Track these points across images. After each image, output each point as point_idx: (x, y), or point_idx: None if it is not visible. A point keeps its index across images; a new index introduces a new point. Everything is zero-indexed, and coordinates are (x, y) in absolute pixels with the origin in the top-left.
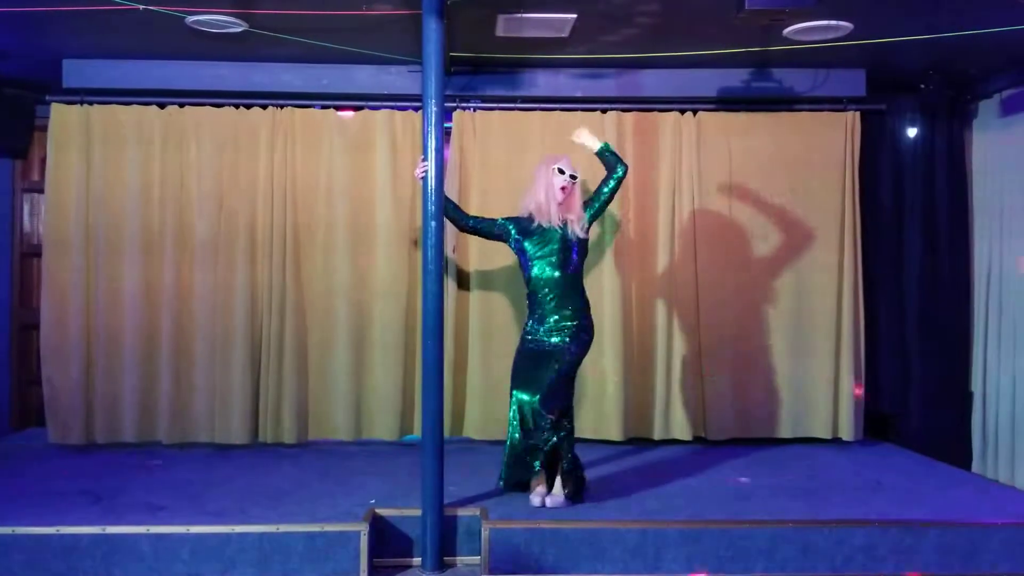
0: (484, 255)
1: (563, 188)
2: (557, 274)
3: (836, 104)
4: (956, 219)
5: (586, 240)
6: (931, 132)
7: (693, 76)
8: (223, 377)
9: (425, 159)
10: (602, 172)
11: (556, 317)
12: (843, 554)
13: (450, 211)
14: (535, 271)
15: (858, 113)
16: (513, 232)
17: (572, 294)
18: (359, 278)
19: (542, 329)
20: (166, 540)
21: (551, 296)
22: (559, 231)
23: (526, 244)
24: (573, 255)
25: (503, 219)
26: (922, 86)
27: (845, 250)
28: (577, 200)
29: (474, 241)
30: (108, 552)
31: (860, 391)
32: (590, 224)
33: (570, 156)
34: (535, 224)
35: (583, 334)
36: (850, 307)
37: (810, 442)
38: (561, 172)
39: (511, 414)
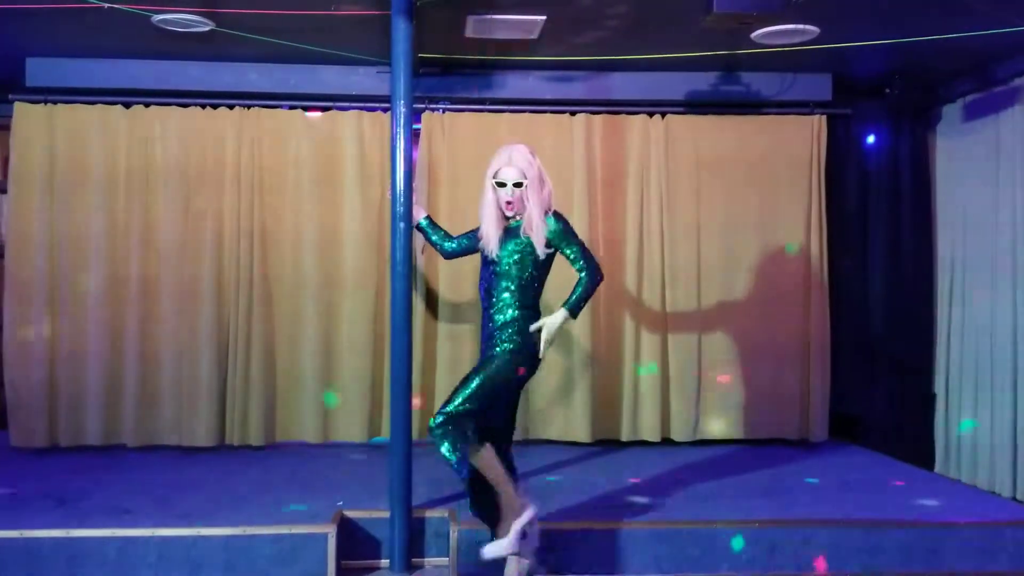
0: None
1: (509, 203)
2: (502, 284)
3: (803, 108)
4: (920, 222)
5: (545, 259)
6: (896, 136)
7: (661, 79)
8: (189, 379)
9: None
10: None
11: (496, 333)
12: (808, 553)
13: (434, 239)
14: (482, 283)
15: (824, 117)
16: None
17: (519, 310)
18: (327, 279)
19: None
20: (132, 543)
21: (496, 307)
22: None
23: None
24: (531, 269)
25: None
26: (887, 91)
27: (811, 253)
28: (532, 207)
29: None
30: (73, 556)
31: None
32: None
33: (524, 147)
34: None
35: (518, 355)
36: (817, 308)
37: (777, 443)
38: (502, 185)
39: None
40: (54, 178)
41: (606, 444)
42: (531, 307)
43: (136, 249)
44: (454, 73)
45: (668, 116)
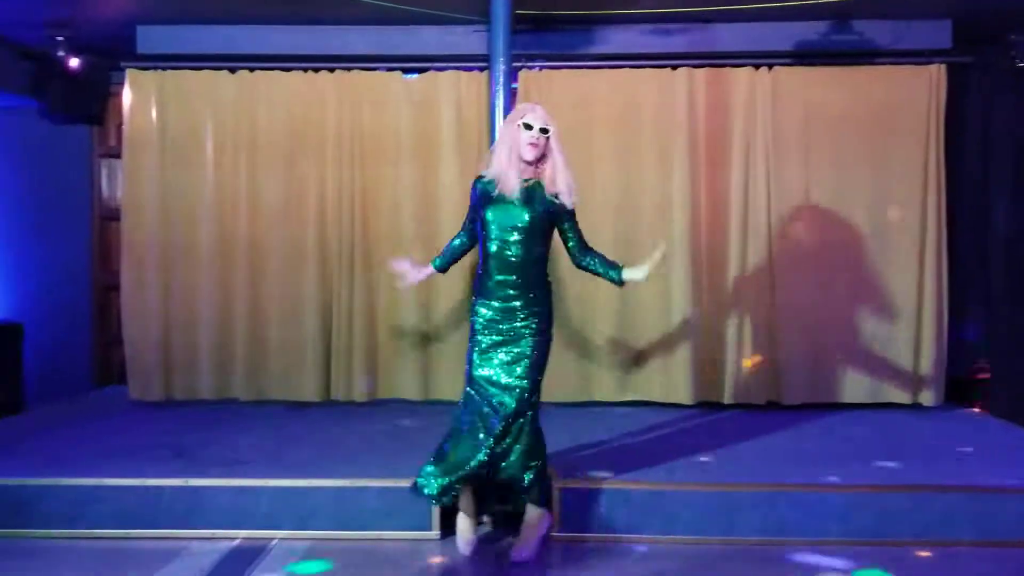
0: None
1: (532, 145)
2: (520, 252)
3: (919, 57)
4: None
5: (568, 213)
6: (1020, 86)
7: (769, 29)
8: (296, 337)
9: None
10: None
11: (515, 304)
12: (922, 520)
13: (450, 261)
14: (492, 247)
15: (943, 66)
16: (475, 199)
17: (537, 279)
18: (425, 238)
19: (496, 313)
20: (246, 492)
21: (511, 280)
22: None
23: (488, 212)
24: (542, 230)
25: (472, 190)
26: (1011, 37)
27: (928, 209)
28: (555, 160)
29: None
30: (191, 503)
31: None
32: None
33: (545, 108)
34: (498, 190)
35: (546, 325)
36: (933, 268)
37: (888, 407)
38: (528, 127)
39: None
40: (165, 142)
41: (708, 407)
42: (546, 268)
43: (243, 210)
44: (551, 29)
45: (775, 68)
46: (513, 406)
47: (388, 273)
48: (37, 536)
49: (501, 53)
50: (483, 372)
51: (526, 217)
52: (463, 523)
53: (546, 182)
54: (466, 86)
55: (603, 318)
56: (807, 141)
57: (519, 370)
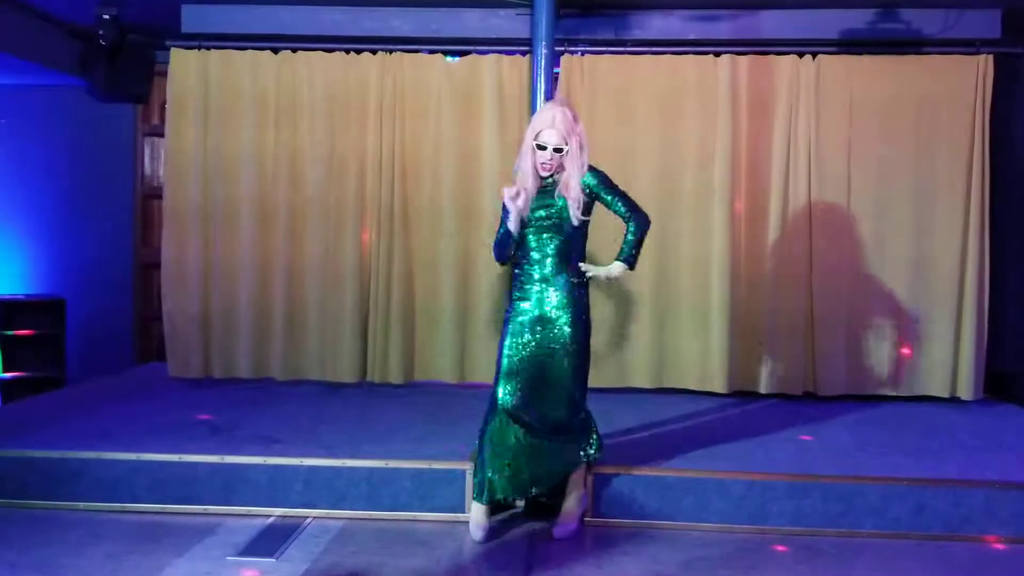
0: None
1: (546, 166)
2: (555, 247)
3: (968, 47)
4: None
5: (603, 188)
6: None
7: (813, 17)
8: (333, 318)
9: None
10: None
11: (550, 294)
12: (960, 515)
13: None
14: (528, 243)
15: (991, 56)
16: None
17: (573, 273)
18: (465, 222)
19: (533, 308)
20: (281, 471)
21: (544, 269)
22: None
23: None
24: (569, 232)
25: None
26: None
27: (972, 200)
28: (571, 174)
29: None
30: (226, 480)
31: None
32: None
33: (568, 111)
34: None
35: (584, 316)
36: (975, 262)
37: (926, 400)
38: (542, 148)
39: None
40: (208, 122)
41: (743, 396)
42: (576, 267)
43: (284, 190)
44: (595, 14)
45: (820, 56)
46: (564, 407)
47: (426, 256)
48: (78, 509)
49: (544, 37)
50: (520, 368)
51: (558, 213)
52: (478, 510)
53: (560, 185)
54: (508, 70)
55: (639, 305)
56: (850, 131)
57: (564, 364)
